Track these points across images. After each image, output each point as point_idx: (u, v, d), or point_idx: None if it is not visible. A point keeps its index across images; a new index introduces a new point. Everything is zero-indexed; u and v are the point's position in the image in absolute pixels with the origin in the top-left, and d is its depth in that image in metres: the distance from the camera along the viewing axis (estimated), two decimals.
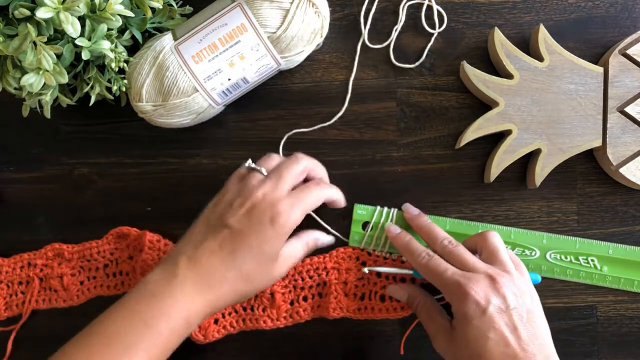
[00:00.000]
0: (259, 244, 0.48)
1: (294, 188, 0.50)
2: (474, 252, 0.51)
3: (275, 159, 0.52)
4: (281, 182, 0.49)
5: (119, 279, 0.58)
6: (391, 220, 0.56)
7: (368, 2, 0.57)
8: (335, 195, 0.53)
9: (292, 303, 0.56)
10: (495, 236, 0.51)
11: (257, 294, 0.53)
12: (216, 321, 0.56)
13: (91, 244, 0.58)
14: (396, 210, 0.57)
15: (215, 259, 0.47)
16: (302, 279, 0.56)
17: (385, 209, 0.57)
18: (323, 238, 0.54)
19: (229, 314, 0.56)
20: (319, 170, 0.53)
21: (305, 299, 0.56)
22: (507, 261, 0.49)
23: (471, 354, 0.46)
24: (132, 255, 0.58)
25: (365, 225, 0.57)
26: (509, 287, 0.47)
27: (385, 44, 0.57)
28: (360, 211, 0.57)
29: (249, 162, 0.51)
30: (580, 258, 0.56)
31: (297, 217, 0.48)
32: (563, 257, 0.56)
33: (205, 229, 0.49)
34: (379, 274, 0.56)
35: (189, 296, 0.46)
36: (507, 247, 0.52)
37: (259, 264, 0.48)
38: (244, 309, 0.56)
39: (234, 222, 0.48)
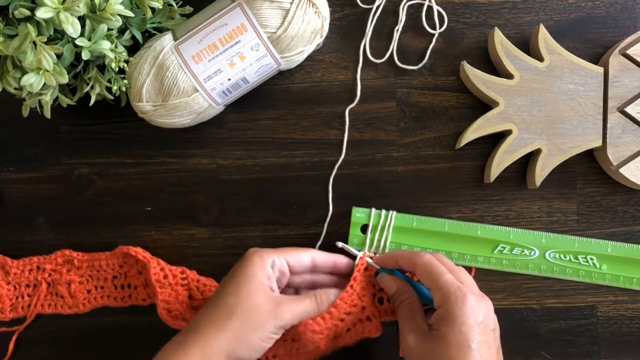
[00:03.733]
0: (230, 279, 0.49)
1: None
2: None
3: None
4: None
5: (126, 292, 0.58)
6: (389, 221, 0.56)
7: (370, 2, 0.57)
8: (329, 256, 0.53)
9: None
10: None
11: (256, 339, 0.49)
12: None
13: (100, 255, 0.58)
14: (394, 212, 0.57)
15: (203, 309, 0.49)
16: (342, 320, 0.52)
17: (384, 211, 0.57)
18: (335, 292, 0.52)
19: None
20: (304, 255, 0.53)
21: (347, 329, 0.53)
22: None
23: (447, 357, 0.45)
24: (142, 270, 0.58)
25: (363, 227, 0.57)
26: (492, 310, 0.48)
27: (389, 52, 0.57)
28: (359, 214, 0.57)
29: None
30: (579, 257, 0.56)
31: (264, 255, 0.49)
32: (562, 256, 0.56)
33: None
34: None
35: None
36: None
37: (239, 299, 0.48)
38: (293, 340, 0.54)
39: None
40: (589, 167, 0.57)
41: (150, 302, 0.57)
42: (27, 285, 0.58)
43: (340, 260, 0.54)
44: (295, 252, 0.52)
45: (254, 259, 0.49)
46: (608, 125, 0.54)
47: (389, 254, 0.53)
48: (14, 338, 0.59)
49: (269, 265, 0.50)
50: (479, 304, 0.46)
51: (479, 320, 0.46)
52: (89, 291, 0.58)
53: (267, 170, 0.58)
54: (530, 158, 0.56)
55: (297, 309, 0.49)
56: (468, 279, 0.49)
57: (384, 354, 0.57)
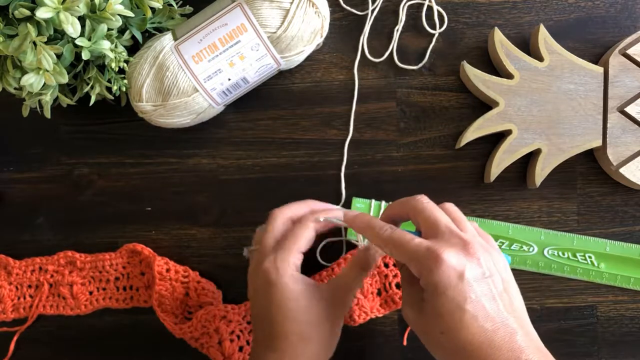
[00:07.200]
0: (267, 306, 0.47)
1: None
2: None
3: (258, 233, 0.52)
4: (262, 247, 0.50)
5: (128, 294, 0.58)
6: None
7: (371, 2, 0.57)
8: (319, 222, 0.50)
9: None
10: (430, 203, 0.46)
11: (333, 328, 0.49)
12: None
13: (104, 255, 0.58)
14: None
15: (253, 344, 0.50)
16: None
17: (383, 202, 0.57)
18: (374, 247, 0.49)
19: None
20: (300, 208, 0.52)
21: None
22: (467, 226, 0.44)
23: (445, 329, 0.40)
24: (144, 271, 0.58)
25: None
26: (483, 252, 0.42)
27: (388, 51, 0.57)
28: (359, 204, 0.57)
29: (245, 251, 0.53)
30: (577, 255, 0.56)
31: (287, 263, 0.48)
32: (560, 253, 0.56)
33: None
34: (386, 264, 0.55)
35: None
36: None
37: (304, 324, 0.46)
38: None
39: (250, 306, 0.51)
40: (589, 167, 0.57)
41: (152, 304, 0.57)
42: (29, 286, 0.58)
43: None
44: (301, 238, 0.49)
45: (285, 280, 0.47)
46: (608, 125, 0.54)
47: (358, 219, 0.48)
48: (15, 338, 0.59)
49: (295, 270, 0.48)
50: (459, 259, 0.41)
51: (466, 277, 0.40)
52: (91, 293, 0.58)
53: (267, 170, 0.58)
54: (530, 158, 0.56)
55: (350, 287, 0.49)
56: (447, 229, 0.43)
57: (384, 353, 0.57)
